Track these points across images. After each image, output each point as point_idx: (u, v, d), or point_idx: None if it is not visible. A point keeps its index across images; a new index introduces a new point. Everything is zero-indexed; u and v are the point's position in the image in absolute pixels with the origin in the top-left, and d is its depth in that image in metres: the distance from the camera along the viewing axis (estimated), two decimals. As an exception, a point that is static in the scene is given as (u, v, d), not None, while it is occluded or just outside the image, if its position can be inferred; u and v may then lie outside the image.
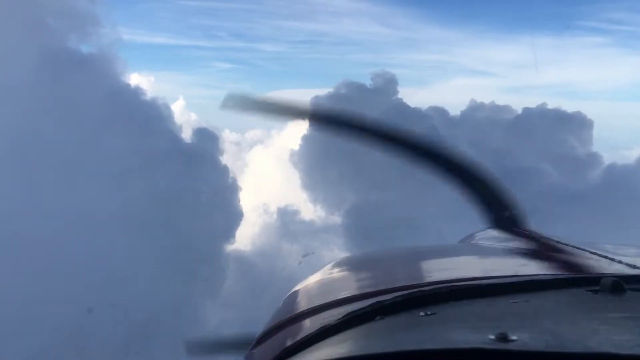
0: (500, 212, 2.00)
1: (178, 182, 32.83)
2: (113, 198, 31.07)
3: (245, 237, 42.20)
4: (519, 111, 55.28)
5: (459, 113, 56.79)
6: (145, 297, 27.91)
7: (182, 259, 30.54)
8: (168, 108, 38.20)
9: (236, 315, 29.91)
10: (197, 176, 33.96)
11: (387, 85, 53.86)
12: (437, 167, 1.86)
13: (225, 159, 40.24)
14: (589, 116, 53.68)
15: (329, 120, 2.01)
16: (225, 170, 37.10)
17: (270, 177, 51.40)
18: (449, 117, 55.71)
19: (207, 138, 36.42)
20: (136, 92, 36.26)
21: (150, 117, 35.60)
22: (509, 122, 54.64)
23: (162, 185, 31.94)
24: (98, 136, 31.98)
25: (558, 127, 51.77)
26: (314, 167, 48.36)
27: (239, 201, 39.00)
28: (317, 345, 1.07)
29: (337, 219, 48.17)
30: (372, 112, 53.20)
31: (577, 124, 52.19)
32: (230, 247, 38.13)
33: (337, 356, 0.88)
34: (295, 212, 47.25)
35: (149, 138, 34.11)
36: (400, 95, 53.85)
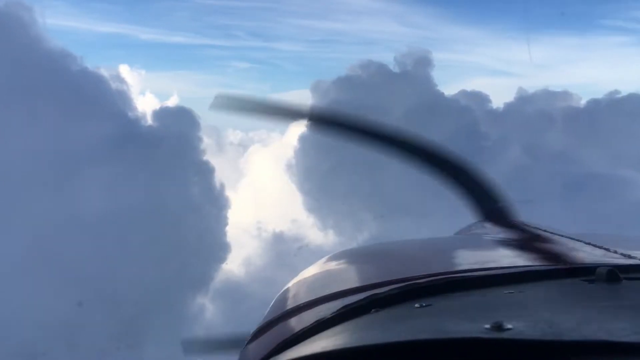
0: (489, 205, 1.99)
1: (130, 187, 20.46)
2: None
3: (236, 262, 31.09)
4: (575, 95, 44.49)
5: (502, 105, 45.34)
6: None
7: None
8: (121, 81, 26.04)
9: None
10: (159, 178, 21.52)
11: (417, 67, 42.17)
12: (427, 165, 1.84)
13: (219, 162, 28.35)
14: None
15: (326, 121, 1.98)
16: (207, 170, 24.57)
17: (268, 189, 39.67)
18: (492, 109, 44.58)
19: (180, 122, 23.86)
20: (65, 61, 24.01)
21: (91, 93, 23.38)
22: (570, 115, 43.37)
23: (95, 192, 19.69)
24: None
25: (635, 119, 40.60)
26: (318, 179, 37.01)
27: (226, 224, 27.09)
28: (313, 338, 1.07)
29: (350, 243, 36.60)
30: (399, 102, 42.02)
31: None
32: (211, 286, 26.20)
33: (333, 348, 0.89)
34: (297, 237, 36.16)
35: (88, 121, 21.85)
36: (434, 81, 42.23)
